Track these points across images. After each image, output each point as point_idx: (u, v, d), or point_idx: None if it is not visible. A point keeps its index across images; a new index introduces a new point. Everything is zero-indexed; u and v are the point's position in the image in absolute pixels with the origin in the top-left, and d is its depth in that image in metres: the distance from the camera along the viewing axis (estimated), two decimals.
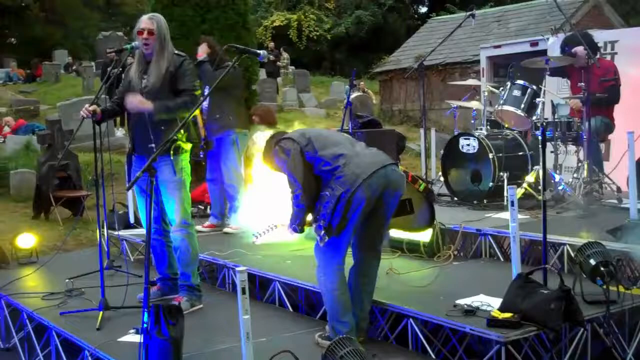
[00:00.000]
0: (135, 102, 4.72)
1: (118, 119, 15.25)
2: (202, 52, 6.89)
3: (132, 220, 7.50)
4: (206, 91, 6.49)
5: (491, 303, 4.03)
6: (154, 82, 4.75)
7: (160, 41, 4.77)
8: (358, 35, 32.59)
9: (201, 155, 6.86)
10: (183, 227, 4.88)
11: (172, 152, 4.73)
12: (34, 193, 9.50)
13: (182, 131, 4.76)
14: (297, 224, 3.98)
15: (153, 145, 4.75)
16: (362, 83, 19.82)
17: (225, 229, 7.01)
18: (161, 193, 4.86)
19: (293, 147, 3.93)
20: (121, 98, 4.92)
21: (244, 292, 3.20)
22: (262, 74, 21.96)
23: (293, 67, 26.46)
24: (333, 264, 3.93)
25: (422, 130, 8.50)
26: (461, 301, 4.13)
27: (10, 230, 8.09)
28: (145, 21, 4.80)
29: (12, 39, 42.58)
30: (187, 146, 4.93)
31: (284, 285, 5.06)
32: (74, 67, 28.89)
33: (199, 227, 7.18)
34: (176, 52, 4.88)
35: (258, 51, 4.06)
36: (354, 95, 8.74)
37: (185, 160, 4.88)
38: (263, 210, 6.48)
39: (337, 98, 22.02)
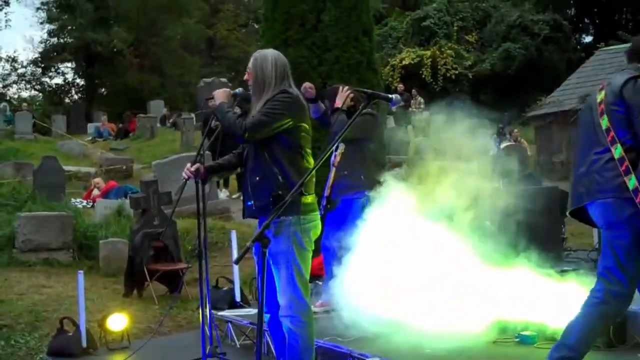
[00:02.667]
0: (217, 92, 4.98)
1: (221, 179, 15.67)
2: (341, 100, 7.03)
3: (238, 298, 7.63)
4: (337, 144, 6.63)
5: None
6: None
7: (257, 79, 4.95)
8: (507, 73, 32.33)
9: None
10: (292, 313, 4.84)
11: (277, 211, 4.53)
12: (126, 266, 9.79)
13: (279, 179, 4.75)
14: None
15: (252, 202, 4.86)
16: (515, 131, 19.53)
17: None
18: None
19: None
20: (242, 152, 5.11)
21: None
22: (390, 121, 22.10)
23: (427, 113, 26.49)
24: None
25: None
26: None
27: (99, 310, 8.38)
28: (250, 61, 5.05)
29: (103, 90, 45.06)
30: (304, 200, 4.81)
31: None
32: (171, 120, 30.04)
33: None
34: (285, 88, 4.96)
35: (389, 95, 4.08)
36: (504, 145, 8.63)
37: (297, 223, 4.79)
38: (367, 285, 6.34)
39: (483, 149, 21.80)
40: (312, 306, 6.96)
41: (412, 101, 25.77)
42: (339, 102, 7.04)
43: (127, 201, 12.79)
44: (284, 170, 4.80)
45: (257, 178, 4.83)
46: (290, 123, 4.84)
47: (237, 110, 5.40)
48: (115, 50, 40.57)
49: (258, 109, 4.86)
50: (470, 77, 32.28)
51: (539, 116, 20.98)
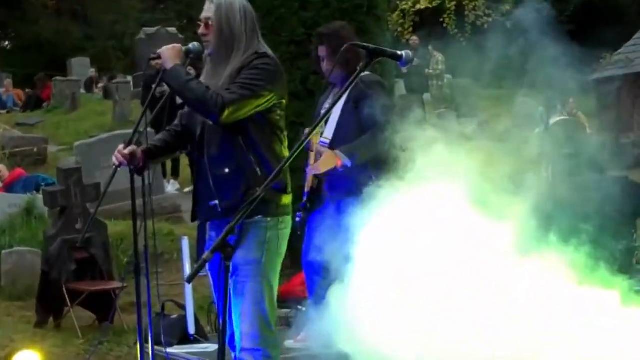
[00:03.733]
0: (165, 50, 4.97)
1: (169, 166, 15.63)
2: (325, 167, 6.88)
3: (191, 329, 7.63)
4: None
5: None
6: None
7: (222, 35, 4.98)
8: (559, 21, 32.36)
9: (297, 220, 6.82)
10: (258, 345, 4.91)
11: (254, 211, 4.36)
12: (39, 285, 9.77)
13: (257, 171, 4.84)
14: None
15: (216, 202, 4.93)
16: (570, 100, 19.53)
17: (287, 341, 7.05)
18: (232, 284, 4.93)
19: None
20: (186, 125, 5.14)
21: None
22: (401, 87, 22.08)
23: (450, 76, 26.48)
24: None
25: None
26: None
27: (2, 345, 8.36)
28: (204, 7, 5.07)
29: (7, 43, 44.84)
30: (284, 200, 4.97)
31: None
32: (100, 85, 29.93)
33: (289, 342, 7.19)
34: (261, 51, 5.03)
35: (398, 52, 4.08)
36: (555, 119, 8.64)
37: (275, 226, 4.94)
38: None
39: (525, 125, 21.82)
40: (292, 340, 7.03)
41: (431, 60, 25.71)
42: (320, 168, 6.86)
43: (40, 196, 12.75)
44: (264, 159, 4.90)
45: (227, 170, 4.89)
46: (274, 99, 4.95)
47: (192, 71, 5.41)
48: None
49: (227, 75, 4.91)
50: (509, 27, 32.21)
51: (603, 80, 21.00)
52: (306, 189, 6.96)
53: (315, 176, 6.89)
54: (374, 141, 6.62)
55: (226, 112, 4.75)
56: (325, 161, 6.59)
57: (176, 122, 5.24)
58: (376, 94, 6.75)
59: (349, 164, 6.56)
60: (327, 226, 6.88)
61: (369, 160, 6.83)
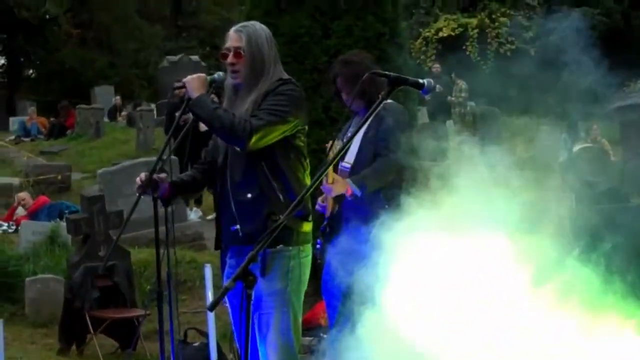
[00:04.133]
0: (190, 80, 5.00)
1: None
2: (336, 192, 6.90)
3: (214, 357, 7.62)
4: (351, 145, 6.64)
5: None
6: None
7: (254, 63, 5.03)
8: (584, 47, 32.22)
9: (318, 247, 6.82)
10: None
11: (276, 240, 4.65)
12: (62, 312, 9.78)
13: (280, 198, 4.88)
14: None
15: (238, 227, 4.96)
16: (593, 127, 19.44)
17: None
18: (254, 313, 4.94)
19: None
20: (211, 160, 5.19)
21: None
22: (423, 114, 22.05)
23: (473, 103, 26.42)
24: None
25: None
26: None
27: None
28: (231, 36, 5.10)
29: (31, 71, 45.03)
30: (305, 227, 5.03)
31: None
32: (124, 113, 30.00)
33: None
34: (285, 77, 5.11)
35: (420, 80, 4.09)
36: (578, 147, 8.63)
37: (297, 256, 4.98)
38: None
39: (548, 152, 21.72)
40: None
41: (453, 87, 25.70)
42: (333, 192, 6.89)
43: (63, 224, 12.77)
44: (287, 186, 4.96)
45: (250, 195, 4.92)
46: (299, 124, 5.03)
47: (215, 99, 5.43)
48: (47, 17, 40.56)
49: (252, 100, 4.96)
50: (533, 54, 32.15)
51: (627, 107, 20.86)
52: (327, 214, 6.97)
53: (335, 201, 6.91)
54: (384, 169, 6.65)
55: (254, 139, 4.79)
56: (338, 186, 6.63)
57: (202, 159, 5.28)
58: (391, 121, 6.76)
59: (358, 194, 6.58)
60: (345, 252, 6.89)
61: (383, 187, 6.86)
